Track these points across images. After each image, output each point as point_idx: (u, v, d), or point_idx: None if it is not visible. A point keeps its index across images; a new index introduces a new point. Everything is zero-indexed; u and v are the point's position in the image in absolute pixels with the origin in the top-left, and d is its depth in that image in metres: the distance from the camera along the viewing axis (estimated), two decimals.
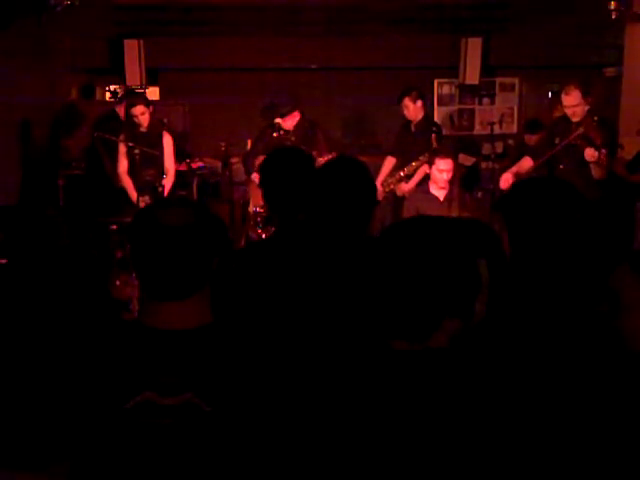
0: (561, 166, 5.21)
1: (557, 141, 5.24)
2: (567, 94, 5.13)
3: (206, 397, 1.51)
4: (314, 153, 5.43)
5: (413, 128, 6.34)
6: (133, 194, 5.98)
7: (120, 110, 6.91)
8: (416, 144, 6.17)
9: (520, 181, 2.20)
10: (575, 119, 5.14)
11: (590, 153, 4.92)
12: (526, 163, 5.40)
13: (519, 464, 1.41)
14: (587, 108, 5.11)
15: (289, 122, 5.97)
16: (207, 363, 1.55)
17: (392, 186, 6.28)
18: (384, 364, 1.47)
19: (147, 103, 6.11)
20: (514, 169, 5.40)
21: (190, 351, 1.56)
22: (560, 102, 5.40)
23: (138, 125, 5.98)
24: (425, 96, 6.47)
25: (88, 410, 1.56)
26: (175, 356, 1.55)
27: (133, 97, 6.39)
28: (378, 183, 6.36)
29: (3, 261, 2.35)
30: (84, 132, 7.21)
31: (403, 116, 6.38)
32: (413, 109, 6.25)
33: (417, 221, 1.54)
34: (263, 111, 6.45)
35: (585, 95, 5.10)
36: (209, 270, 1.65)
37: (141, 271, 1.63)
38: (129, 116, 6.11)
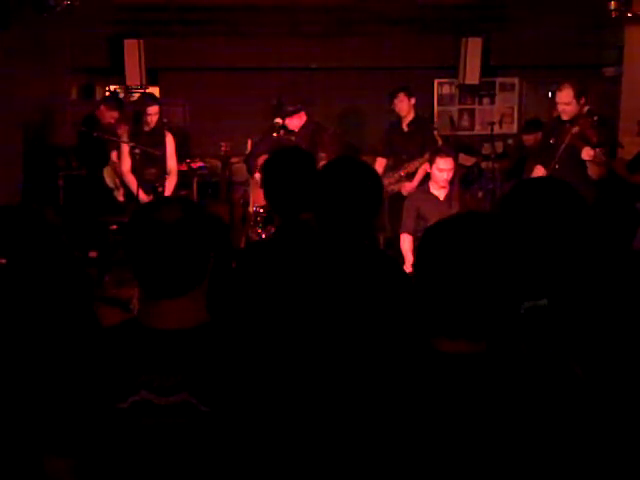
0: (556, 166, 5.21)
1: (552, 141, 5.26)
2: (560, 91, 5.18)
3: (203, 397, 1.51)
4: (322, 154, 5.41)
5: (405, 128, 6.32)
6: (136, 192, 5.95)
7: (99, 114, 6.92)
8: (409, 144, 6.16)
9: (520, 181, 2.20)
10: (564, 117, 5.16)
11: (587, 152, 4.95)
12: (539, 172, 5.34)
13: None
14: (579, 108, 5.12)
15: (294, 122, 5.93)
16: (205, 363, 1.55)
17: (391, 187, 6.26)
18: (423, 365, 1.44)
19: (159, 102, 6.12)
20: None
21: (188, 350, 1.56)
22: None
23: (142, 124, 5.96)
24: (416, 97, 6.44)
25: (85, 409, 1.56)
26: (173, 355, 1.55)
27: (146, 98, 6.34)
28: None
29: (3, 261, 2.35)
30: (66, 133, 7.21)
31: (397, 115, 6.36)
32: (407, 105, 6.26)
33: (462, 218, 1.50)
34: (271, 110, 6.42)
35: (578, 95, 5.10)
36: (205, 267, 1.64)
37: (137, 268, 1.64)
38: (135, 115, 6.07)
